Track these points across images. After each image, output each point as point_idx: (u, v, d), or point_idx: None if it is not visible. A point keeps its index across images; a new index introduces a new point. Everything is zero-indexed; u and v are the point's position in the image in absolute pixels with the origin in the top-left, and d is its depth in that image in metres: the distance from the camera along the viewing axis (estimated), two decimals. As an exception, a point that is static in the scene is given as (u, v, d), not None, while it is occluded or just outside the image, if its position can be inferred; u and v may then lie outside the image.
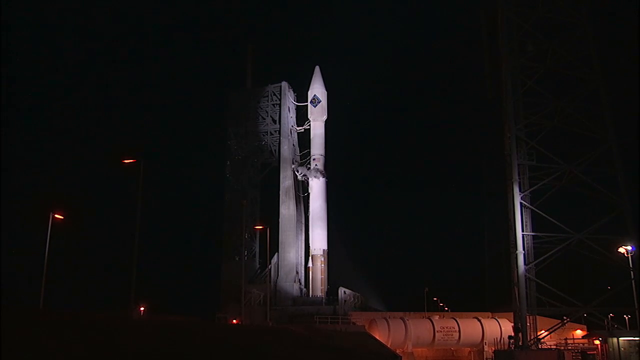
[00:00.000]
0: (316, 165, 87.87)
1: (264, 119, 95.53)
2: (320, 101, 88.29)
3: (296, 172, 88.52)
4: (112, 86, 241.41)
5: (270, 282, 79.51)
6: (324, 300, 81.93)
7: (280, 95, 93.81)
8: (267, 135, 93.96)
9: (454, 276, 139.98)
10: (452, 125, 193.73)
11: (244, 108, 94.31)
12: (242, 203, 67.91)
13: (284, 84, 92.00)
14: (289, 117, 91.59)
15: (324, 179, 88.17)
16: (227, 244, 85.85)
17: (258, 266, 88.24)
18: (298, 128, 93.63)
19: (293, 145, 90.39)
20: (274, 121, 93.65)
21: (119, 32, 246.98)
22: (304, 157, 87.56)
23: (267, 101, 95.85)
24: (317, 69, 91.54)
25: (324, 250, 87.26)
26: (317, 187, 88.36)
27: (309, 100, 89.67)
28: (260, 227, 70.86)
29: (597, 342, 74.75)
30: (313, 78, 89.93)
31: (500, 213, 71.09)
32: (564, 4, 73.94)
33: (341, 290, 79.96)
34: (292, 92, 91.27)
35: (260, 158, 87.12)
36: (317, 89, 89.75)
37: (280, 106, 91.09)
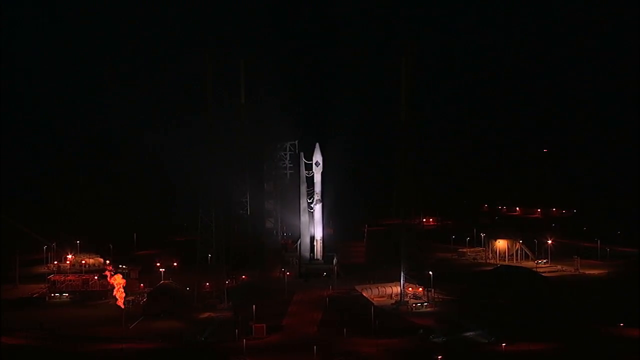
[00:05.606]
0: (317, 196, 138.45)
1: (284, 161, 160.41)
2: (320, 164, 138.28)
3: (307, 200, 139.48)
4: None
5: (298, 252, 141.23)
6: (321, 261, 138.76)
7: (296, 150, 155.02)
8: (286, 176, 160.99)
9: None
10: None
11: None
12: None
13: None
14: (302, 169, 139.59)
15: (320, 203, 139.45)
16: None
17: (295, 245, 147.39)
18: (307, 173, 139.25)
19: (305, 183, 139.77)
20: (291, 164, 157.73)
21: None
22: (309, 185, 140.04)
23: (286, 150, 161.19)
24: (317, 145, 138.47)
25: (321, 236, 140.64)
26: (318, 207, 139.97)
27: (313, 162, 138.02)
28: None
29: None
30: (315, 151, 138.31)
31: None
32: None
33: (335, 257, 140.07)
34: (302, 155, 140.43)
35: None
36: (317, 157, 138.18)
37: (298, 160, 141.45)
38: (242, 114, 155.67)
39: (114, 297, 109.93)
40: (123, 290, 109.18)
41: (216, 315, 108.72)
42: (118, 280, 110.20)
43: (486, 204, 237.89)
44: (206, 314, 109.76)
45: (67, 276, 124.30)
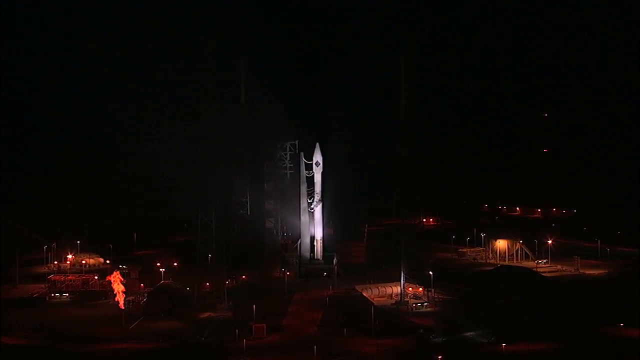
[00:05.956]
0: (317, 196, 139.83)
1: (284, 161, 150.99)
2: (320, 164, 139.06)
3: (307, 200, 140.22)
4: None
5: (298, 252, 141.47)
6: (321, 261, 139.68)
7: (296, 150, 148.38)
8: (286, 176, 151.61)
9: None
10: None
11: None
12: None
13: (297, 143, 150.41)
14: (302, 169, 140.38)
15: (321, 203, 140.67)
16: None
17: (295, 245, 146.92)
18: (307, 173, 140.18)
19: (305, 183, 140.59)
20: (291, 164, 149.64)
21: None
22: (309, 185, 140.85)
23: (286, 150, 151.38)
24: (317, 145, 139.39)
25: (321, 236, 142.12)
26: (318, 207, 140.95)
27: (313, 162, 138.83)
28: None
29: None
30: (315, 150, 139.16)
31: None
32: None
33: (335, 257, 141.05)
34: (302, 154, 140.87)
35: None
36: (317, 157, 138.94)
37: (298, 160, 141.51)
38: (242, 114, 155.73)
39: (114, 294, 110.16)
40: (123, 287, 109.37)
41: (216, 315, 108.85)
42: (115, 278, 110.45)
43: (486, 204, 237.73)
44: (206, 314, 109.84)
45: (67, 276, 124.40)
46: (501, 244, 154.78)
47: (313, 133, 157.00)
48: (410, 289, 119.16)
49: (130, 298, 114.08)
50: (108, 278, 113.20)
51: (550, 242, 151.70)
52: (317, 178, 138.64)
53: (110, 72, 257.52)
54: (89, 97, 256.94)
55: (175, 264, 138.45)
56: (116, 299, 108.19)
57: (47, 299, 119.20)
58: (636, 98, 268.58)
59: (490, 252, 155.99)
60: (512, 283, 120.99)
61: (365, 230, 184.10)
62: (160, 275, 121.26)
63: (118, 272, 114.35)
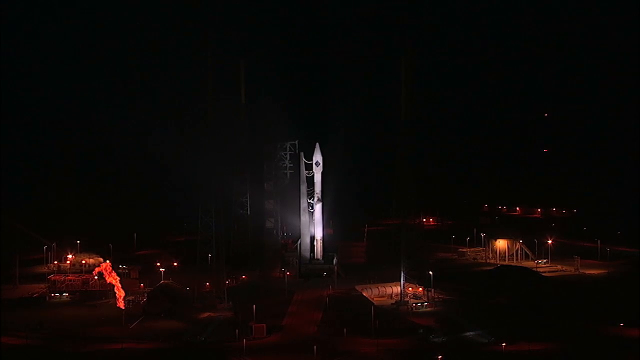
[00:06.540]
0: (317, 196, 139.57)
1: (284, 161, 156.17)
2: (320, 164, 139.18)
3: (307, 200, 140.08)
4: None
5: (298, 252, 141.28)
6: (321, 261, 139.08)
7: (296, 150, 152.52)
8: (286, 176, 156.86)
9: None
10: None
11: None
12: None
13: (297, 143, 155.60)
14: (302, 169, 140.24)
15: (320, 203, 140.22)
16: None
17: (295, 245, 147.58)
18: (307, 173, 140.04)
19: (305, 183, 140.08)
20: (291, 164, 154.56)
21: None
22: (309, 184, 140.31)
23: (286, 150, 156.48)
24: (317, 145, 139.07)
25: (321, 236, 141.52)
26: (318, 207, 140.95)
27: (313, 162, 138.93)
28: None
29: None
30: (315, 151, 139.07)
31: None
32: None
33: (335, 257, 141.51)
34: (302, 154, 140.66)
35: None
36: (317, 157, 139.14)
37: (298, 160, 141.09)
38: (242, 114, 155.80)
39: (114, 290, 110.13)
40: (120, 284, 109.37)
41: (216, 315, 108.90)
42: (106, 271, 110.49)
43: (486, 204, 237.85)
44: (206, 314, 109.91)
45: (67, 276, 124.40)
46: (501, 244, 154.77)
47: (313, 133, 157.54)
48: (410, 289, 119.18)
49: (130, 298, 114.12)
50: (98, 270, 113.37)
51: (550, 242, 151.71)
52: (317, 178, 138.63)
53: (110, 72, 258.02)
54: (90, 97, 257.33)
55: (175, 264, 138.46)
56: (111, 283, 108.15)
57: (47, 298, 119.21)
58: (636, 98, 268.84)
59: (490, 252, 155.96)
60: (512, 283, 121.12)
61: (365, 230, 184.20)
62: (160, 275, 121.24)
63: (108, 263, 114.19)
